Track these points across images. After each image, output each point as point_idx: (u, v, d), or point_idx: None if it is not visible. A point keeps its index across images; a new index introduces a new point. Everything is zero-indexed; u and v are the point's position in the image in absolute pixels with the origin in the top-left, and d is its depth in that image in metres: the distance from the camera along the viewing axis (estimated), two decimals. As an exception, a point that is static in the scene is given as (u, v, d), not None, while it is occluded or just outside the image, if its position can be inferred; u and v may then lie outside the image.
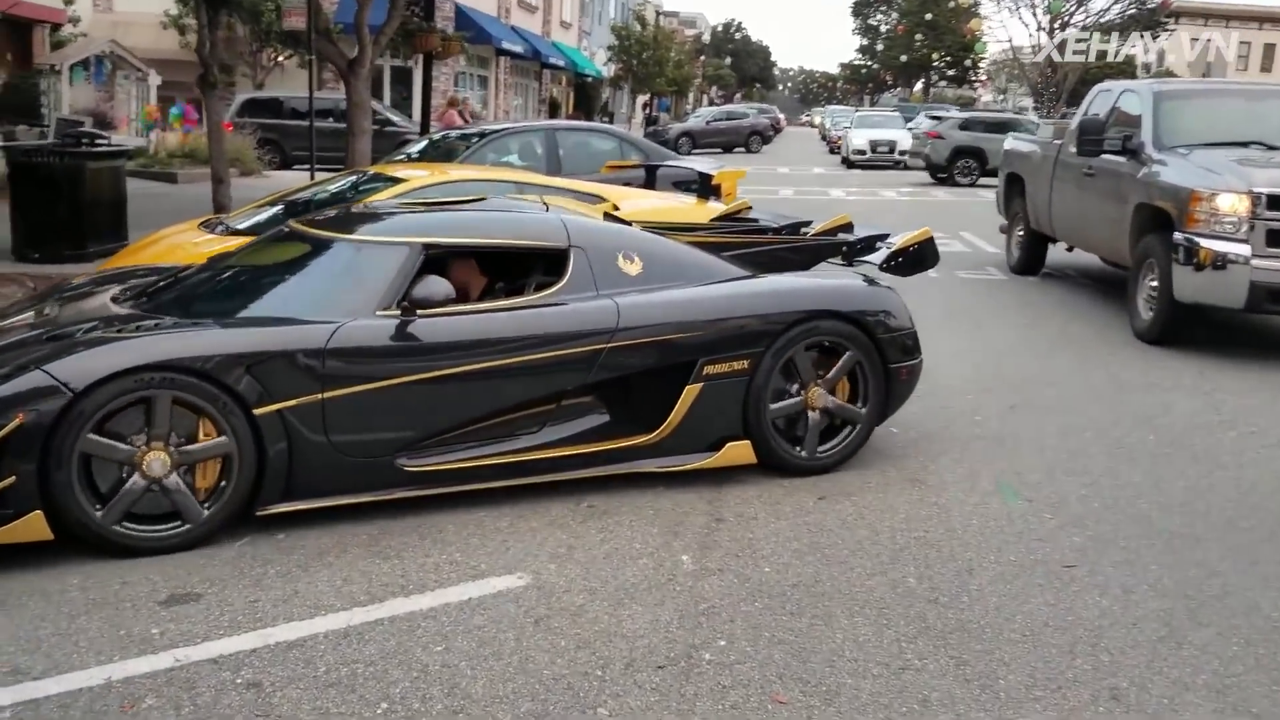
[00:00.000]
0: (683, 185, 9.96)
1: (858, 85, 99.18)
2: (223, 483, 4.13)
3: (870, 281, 5.45)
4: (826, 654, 3.51)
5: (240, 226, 7.05)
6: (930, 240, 6.04)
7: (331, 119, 19.86)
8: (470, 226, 5.04)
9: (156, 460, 3.99)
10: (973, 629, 3.69)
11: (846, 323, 5.01)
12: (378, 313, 4.42)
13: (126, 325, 4.26)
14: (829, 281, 5.41)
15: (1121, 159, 8.84)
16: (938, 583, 4.04)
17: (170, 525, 4.10)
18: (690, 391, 4.79)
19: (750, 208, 7.56)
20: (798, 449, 5.04)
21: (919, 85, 79.01)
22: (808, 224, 6.60)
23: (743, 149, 39.15)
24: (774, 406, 4.93)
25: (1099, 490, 5.05)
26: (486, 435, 4.59)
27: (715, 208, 7.75)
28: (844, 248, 6.17)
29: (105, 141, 11.01)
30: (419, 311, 4.41)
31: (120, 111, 24.95)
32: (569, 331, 4.64)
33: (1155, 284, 8.03)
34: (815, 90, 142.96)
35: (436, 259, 4.80)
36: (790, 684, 3.33)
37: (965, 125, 25.94)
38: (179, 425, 4.03)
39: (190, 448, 4.06)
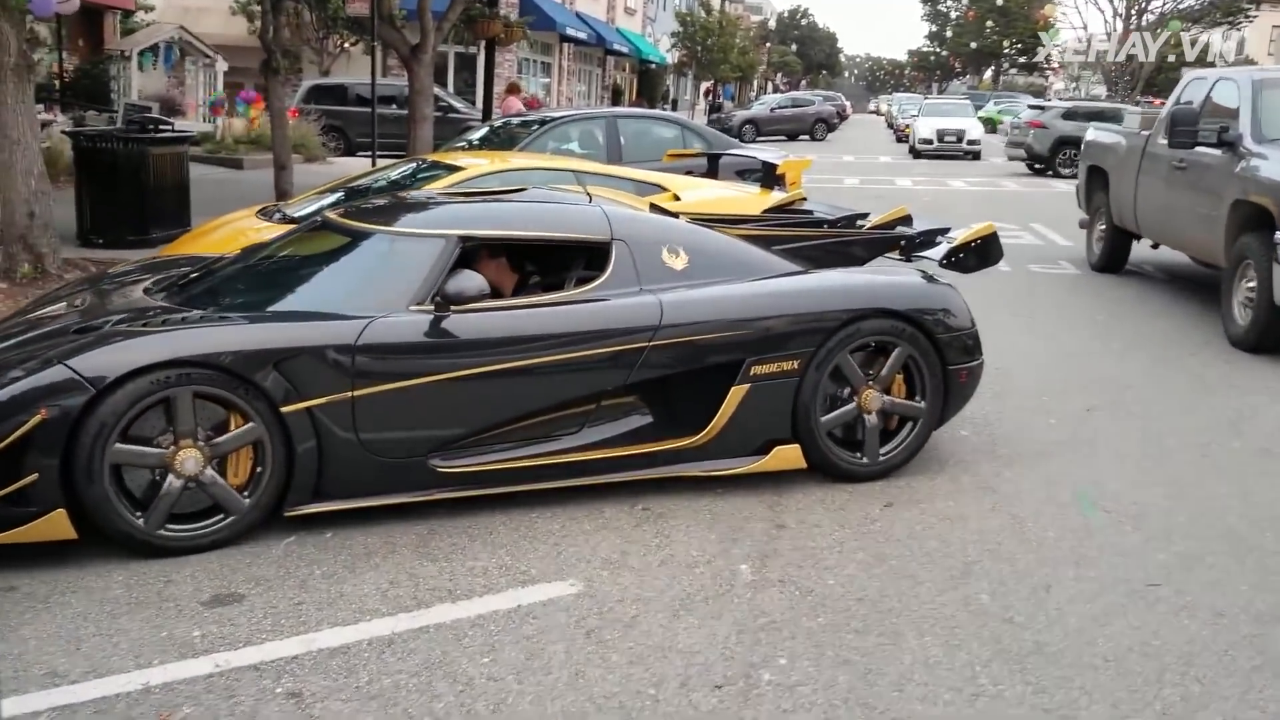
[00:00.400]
0: (746, 174, 9.74)
1: (925, 73, 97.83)
2: (258, 469, 4.02)
3: (928, 278, 5.19)
4: (894, 677, 3.30)
5: (297, 214, 6.97)
6: (993, 236, 5.75)
7: (395, 105, 19.90)
8: (508, 218, 4.88)
9: (189, 458, 3.89)
10: (1051, 653, 3.46)
11: (902, 321, 4.78)
12: (411, 308, 4.27)
13: (153, 319, 4.16)
14: (884, 278, 5.15)
15: (1217, 152, 8.36)
16: (1012, 601, 3.81)
17: (214, 520, 4.01)
18: (736, 393, 4.59)
19: (805, 199, 7.32)
20: (858, 455, 4.83)
21: (988, 73, 77.64)
22: (864, 216, 6.35)
23: (807, 137, 38.69)
24: (828, 417, 4.74)
25: (1184, 501, 4.77)
26: (523, 436, 4.44)
27: (777, 198, 7.52)
28: (902, 242, 5.89)
29: (169, 128, 11.06)
30: (452, 307, 4.27)
31: (188, 97, 25.23)
32: (610, 329, 4.47)
33: (1253, 287, 7.56)
34: (882, 77, 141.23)
35: (473, 252, 4.67)
36: (855, 710, 3.13)
37: (1069, 115, 24.90)
38: (205, 419, 3.95)
39: (220, 439, 3.96)
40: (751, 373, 4.60)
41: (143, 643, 3.39)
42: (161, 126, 10.77)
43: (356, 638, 3.45)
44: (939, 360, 4.84)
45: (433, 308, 4.26)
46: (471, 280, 4.28)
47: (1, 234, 8.38)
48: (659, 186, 7.96)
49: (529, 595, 3.75)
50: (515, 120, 12.09)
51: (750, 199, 7.67)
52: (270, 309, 4.32)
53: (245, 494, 4.03)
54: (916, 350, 4.80)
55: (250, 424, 3.96)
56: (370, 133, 16.31)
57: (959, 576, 3.99)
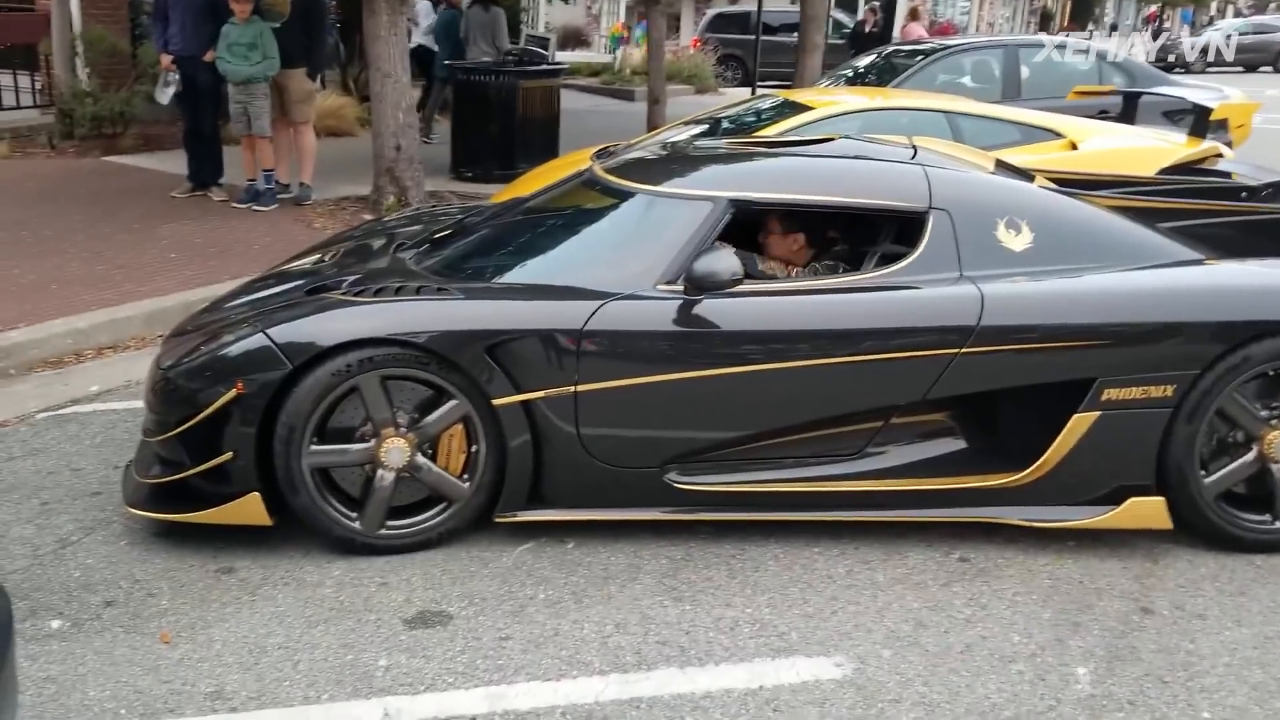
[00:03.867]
0: (1175, 117, 8.01)
1: None
2: (473, 447, 3.47)
3: None
4: None
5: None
6: None
7: (796, 34, 19.06)
8: (796, 178, 3.89)
9: (394, 449, 3.40)
10: None
11: None
12: (659, 287, 3.49)
13: (368, 288, 3.62)
14: None
15: None
16: None
17: (436, 510, 3.53)
18: (1080, 422, 3.43)
19: (1221, 156, 5.68)
20: (1266, 517, 3.53)
21: None
22: None
23: (1269, 68, 33.29)
24: (1215, 466, 3.50)
25: None
26: (784, 454, 3.56)
27: (1185, 154, 5.91)
28: None
29: (545, 60, 10.94)
30: (698, 291, 3.43)
31: (594, 28, 25.76)
32: (906, 327, 3.46)
33: None
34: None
35: (755, 220, 3.81)
36: None
37: None
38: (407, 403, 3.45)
39: (426, 421, 3.43)
40: (1103, 397, 3.42)
41: (324, 667, 2.93)
42: (538, 60, 10.62)
43: (553, 701, 2.79)
44: None
45: (682, 289, 3.47)
46: (726, 261, 3.41)
47: (373, 166, 8.57)
48: (1053, 132, 6.61)
49: (778, 672, 2.91)
50: (905, 49, 10.85)
51: (1168, 151, 6.12)
52: (500, 280, 3.72)
53: (464, 479, 3.50)
54: None
55: (454, 401, 3.40)
56: (770, 63, 15.59)
57: None
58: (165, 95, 8.28)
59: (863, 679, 2.89)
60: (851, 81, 9.68)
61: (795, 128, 6.14)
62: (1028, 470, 3.48)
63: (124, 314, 5.67)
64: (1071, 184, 4.40)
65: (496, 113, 9.93)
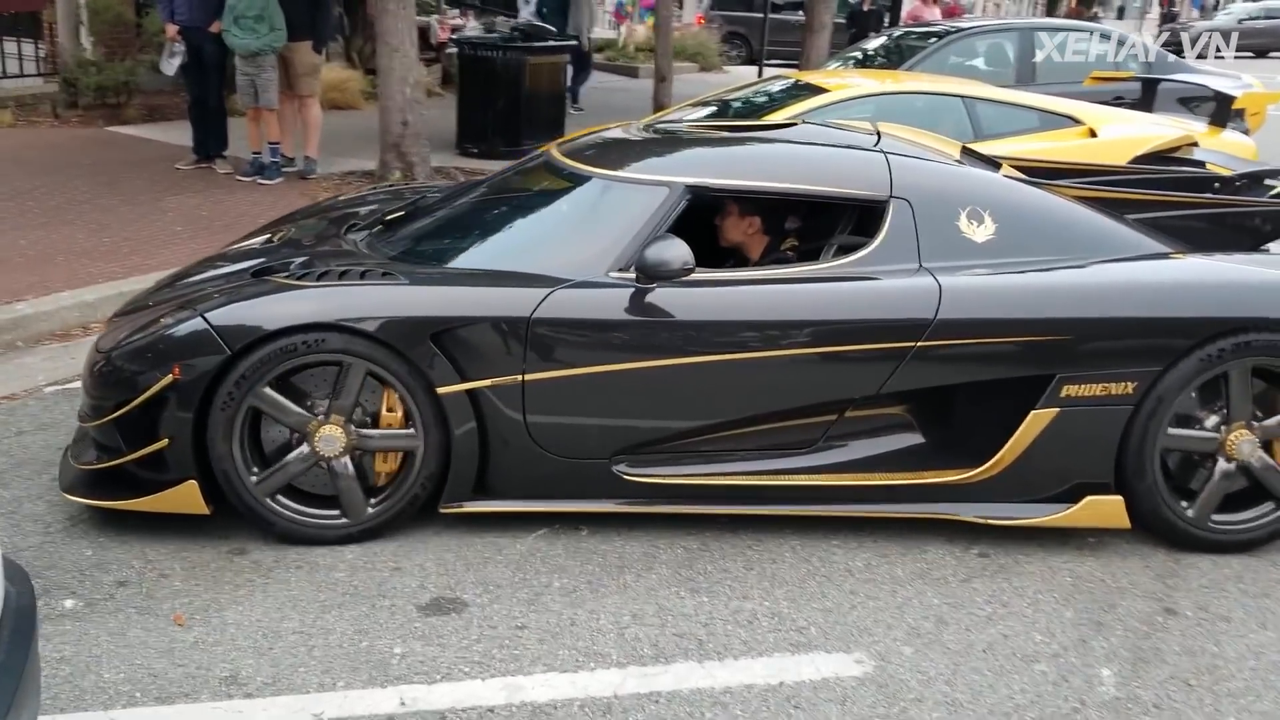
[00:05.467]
0: (1193, 104, 7.94)
1: None
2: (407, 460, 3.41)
3: None
4: None
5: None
6: None
7: (802, 12, 18.91)
8: (756, 164, 3.83)
9: (332, 435, 3.33)
10: None
11: None
12: (611, 274, 3.41)
13: (310, 271, 3.53)
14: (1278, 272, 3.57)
15: None
16: None
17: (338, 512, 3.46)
18: (1038, 419, 3.37)
19: (1196, 145, 5.61)
20: (1183, 504, 3.49)
21: None
22: (1278, 175, 4.70)
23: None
24: (1173, 433, 3.43)
25: None
26: (735, 447, 3.50)
27: (1159, 141, 5.82)
28: None
29: (552, 35, 10.83)
30: (649, 280, 3.36)
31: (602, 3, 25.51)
32: (861, 319, 3.39)
33: None
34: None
35: (714, 206, 3.75)
36: None
37: None
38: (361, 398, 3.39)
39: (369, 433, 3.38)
40: (1063, 393, 3.35)
41: (339, 652, 2.90)
42: (545, 36, 10.52)
43: (570, 694, 2.76)
44: None
45: (633, 276, 3.39)
46: (675, 250, 3.33)
47: (379, 140, 8.48)
48: (1072, 119, 6.54)
49: (798, 668, 2.88)
50: (916, 31, 10.76)
51: (1185, 139, 6.05)
52: (451, 265, 3.62)
53: (372, 501, 3.43)
54: None
55: (410, 431, 3.35)
56: (775, 41, 15.44)
57: None
58: (170, 66, 8.18)
59: (884, 676, 2.86)
60: (861, 64, 9.59)
61: (810, 110, 6.07)
62: (985, 466, 3.42)
63: (131, 287, 5.59)
64: (1039, 173, 4.35)
65: (502, 88, 9.83)
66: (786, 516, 3.57)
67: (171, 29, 8.07)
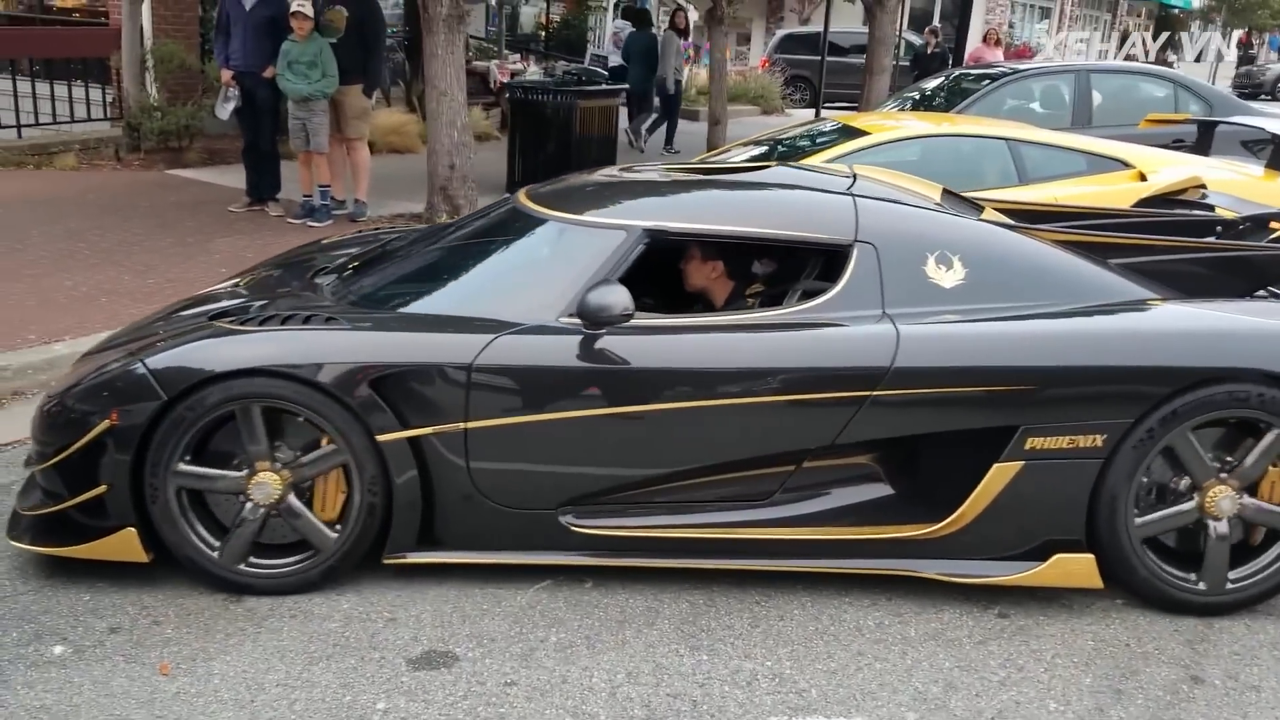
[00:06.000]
0: (1255, 147, 7.68)
1: None
2: (349, 499, 3.34)
3: None
4: None
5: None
6: None
7: (864, 55, 18.82)
8: (717, 208, 3.72)
9: (269, 484, 3.28)
10: None
11: None
12: (562, 319, 3.33)
13: (256, 315, 3.47)
14: (1259, 321, 3.37)
15: None
16: None
17: (300, 557, 3.39)
18: (1001, 472, 3.21)
19: (1204, 187, 5.38)
20: (1192, 576, 3.30)
21: None
22: None
23: (1363, 95, 32.23)
24: (1148, 518, 3.28)
25: None
26: (687, 498, 3.38)
27: (1161, 184, 5.60)
28: None
29: (604, 80, 10.89)
30: (593, 326, 3.26)
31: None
32: (815, 367, 3.25)
33: None
34: None
35: (675, 250, 3.67)
36: None
37: None
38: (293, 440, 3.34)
39: (305, 459, 3.31)
40: (1027, 446, 3.19)
41: (320, 707, 2.83)
42: (596, 80, 10.58)
43: (551, 756, 2.66)
44: None
45: (581, 323, 3.29)
46: (616, 296, 3.23)
47: (427, 183, 8.55)
48: (1121, 162, 6.36)
49: (793, 734, 2.75)
50: (973, 73, 10.61)
51: (1246, 184, 5.83)
52: (407, 309, 3.56)
53: (335, 528, 3.36)
54: None
55: (334, 447, 3.27)
56: (839, 84, 15.36)
57: None
58: (225, 110, 8.35)
59: (883, 745, 2.71)
60: (917, 105, 9.47)
61: (848, 154, 5.97)
62: (947, 520, 3.26)
63: (166, 329, 5.67)
64: (1028, 216, 4.20)
65: (553, 131, 9.90)
66: (801, 577, 3.44)
67: (226, 74, 8.24)
